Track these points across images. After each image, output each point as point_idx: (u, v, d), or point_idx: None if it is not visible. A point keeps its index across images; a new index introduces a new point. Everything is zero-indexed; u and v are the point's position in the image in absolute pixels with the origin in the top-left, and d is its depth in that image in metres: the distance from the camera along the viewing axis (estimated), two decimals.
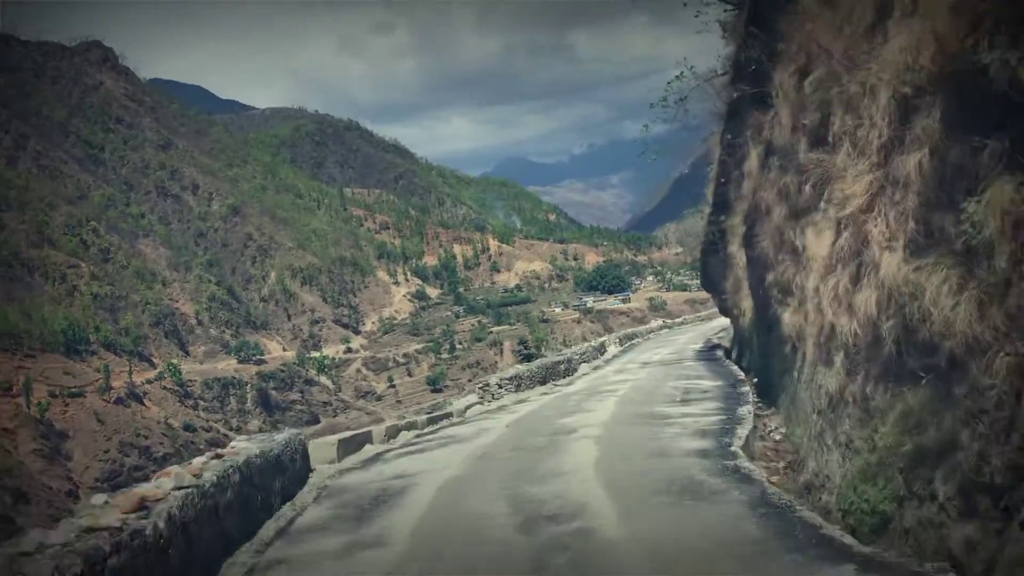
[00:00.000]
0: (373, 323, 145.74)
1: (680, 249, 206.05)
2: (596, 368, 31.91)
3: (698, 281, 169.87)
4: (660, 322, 64.21)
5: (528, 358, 41.44)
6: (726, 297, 26.53)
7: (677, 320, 71.89)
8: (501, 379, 25.46)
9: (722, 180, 21.65)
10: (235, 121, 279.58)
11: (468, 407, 22.09)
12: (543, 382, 26.72)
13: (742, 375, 22.21)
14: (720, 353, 32.26)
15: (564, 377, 28.66)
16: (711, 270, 30.71)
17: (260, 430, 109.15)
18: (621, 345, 44.28)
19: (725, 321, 58.32)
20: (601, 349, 39.80)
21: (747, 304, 20.92)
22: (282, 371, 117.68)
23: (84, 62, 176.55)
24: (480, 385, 25.67)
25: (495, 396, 23.92)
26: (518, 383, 25.23)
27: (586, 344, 41.43)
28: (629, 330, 58.03)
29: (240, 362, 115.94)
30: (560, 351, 38.93)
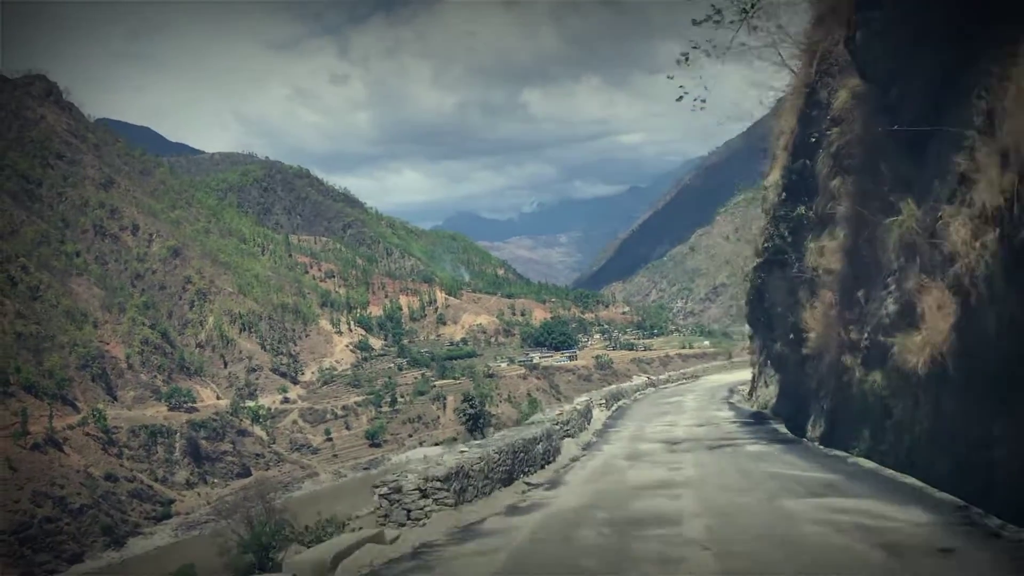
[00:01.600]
0: (313, 373, 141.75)
1: (627, 308, 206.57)
2: (588, 448, 22.96)
3: (643, 341, 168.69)
4: (644, 378, 57.79)
5: (475, 421, 34.25)
6: (793, 333, 20.00)
7: (661, 377, 64.42)
8: (428, 479, 12.75)
9: (810, 138, 17.02)
10: (183, 164, 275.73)
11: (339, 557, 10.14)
12: (508, 479, 15.69)
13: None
14: (774, 424, 25.04)
15: (541, 467, 18.21)
16: (771, 292, 23.62)
17: (187, 483, 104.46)
18: (608, 408, 36.59)
19: (728, 378, 55.58)
20: (587, 414, 29.42)
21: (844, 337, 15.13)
22: (214, 420, 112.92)
23: (26, 95, 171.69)
24: (385, 490, 12.60)
25: (412, 516, 12.37)
26: (461, 485, 13.43)
27: (568, 407, 27.68)
28: (612, 387, 48.39)
29: (170, 409, 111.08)
30: (530, 416, 28.62)
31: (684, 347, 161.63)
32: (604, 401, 36.97)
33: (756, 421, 27.21)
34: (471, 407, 35.64)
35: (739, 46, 15.92)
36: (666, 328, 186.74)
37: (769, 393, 29.89)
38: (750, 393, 36.49)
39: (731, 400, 37.80)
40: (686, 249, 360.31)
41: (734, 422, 27.37)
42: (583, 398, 33.21)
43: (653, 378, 58.54)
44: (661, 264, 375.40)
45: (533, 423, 22.20)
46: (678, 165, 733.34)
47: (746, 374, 54.57)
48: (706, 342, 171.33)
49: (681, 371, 65.64)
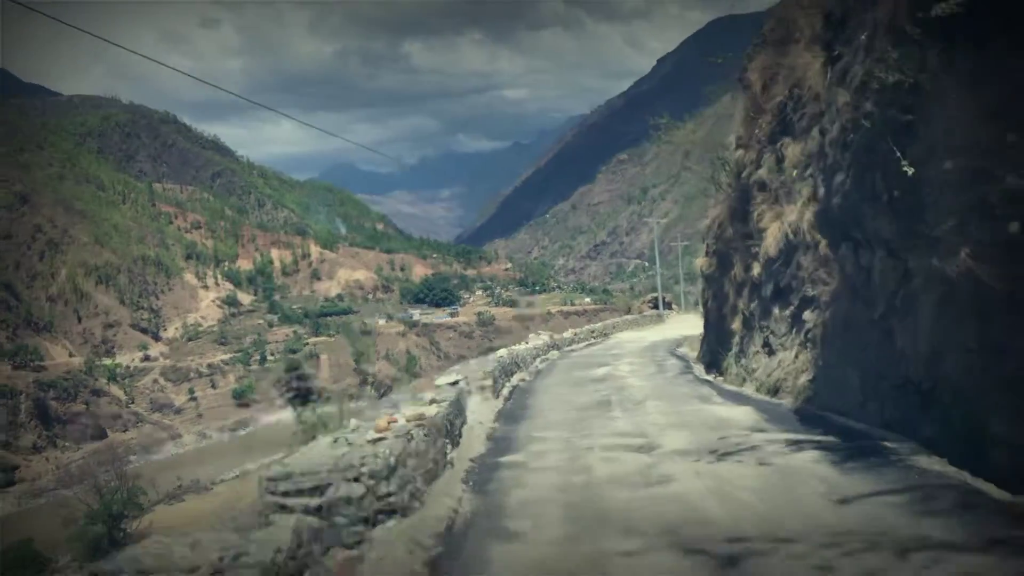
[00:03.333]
0: (176, 329, 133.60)
1: (510, 265, 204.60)
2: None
3: (526, 298, 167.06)
4: (545, 337, 38.42)
5: (303, 397, 17.86)
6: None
7: (565, 336, 44.52)
8: None
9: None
10: (37, 107, 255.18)
11: None
12: None
13: None
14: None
15: None
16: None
17: (34, 447, 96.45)
18: (497, 393, 20.49)
19: (648, 336, 46.26)
20: (456, 414, 13.25)
21: None
22: (65, 379, 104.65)
23: None
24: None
25: None
26: None
27: (410, 411, 10.46)
28: (502, 352, 26.64)
29: (15, 368, 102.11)
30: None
31: (566, 304, 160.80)
32: (490, 380, 19.93)
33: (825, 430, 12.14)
34: (298, 378, 23.25)
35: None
36: (548, 285, 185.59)
37: (791, 369, 16.41)
38: (706, 362, 25.50)
39: (696, 373, 24.52)
40: (568, 207, 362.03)
41: (785, 439, 11.91)
42: (448, 378, 15.24)
43: (555, 338, 40.73)
44: (543, 221, 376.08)
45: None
46: (561, 123, 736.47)
47: (663, 332, 49.51)
48: (587, 299, 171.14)
49: (588, 328, 51.37)
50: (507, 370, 24.27)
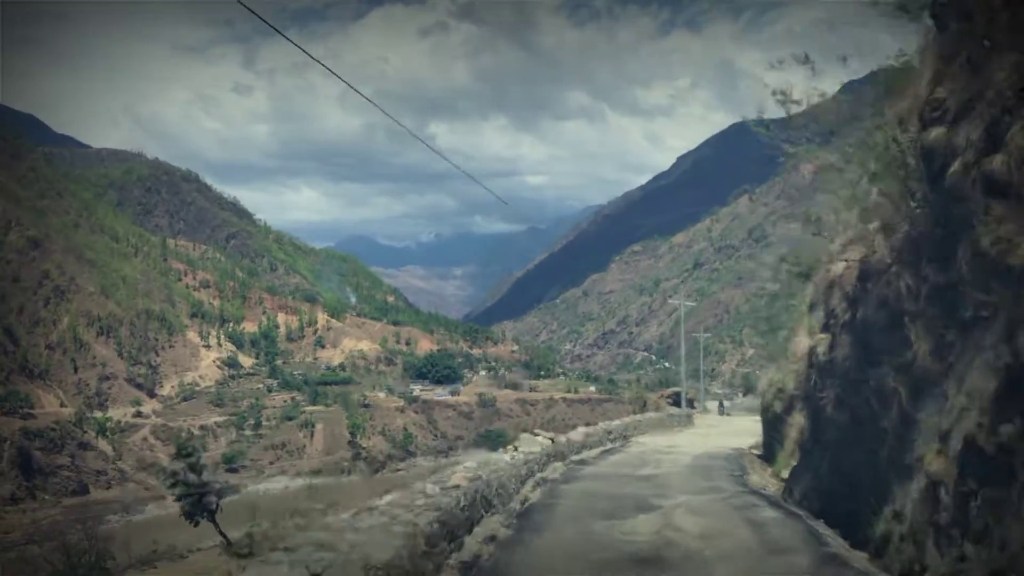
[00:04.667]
0: (173, 387, 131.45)
1: (516, 346, 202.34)
2: None
3: (529, 382, 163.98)
4: (543, 442, 25.60)
5: (195, 502, 17.96)
6: None
7: (573, 439, 30.34)
8: None
9: None
10: (65, 157, 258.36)
11: None
12: None
13: None
14: None
15: None
16: None
17: (12, 497, 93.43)
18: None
19: (681, 444, 34.45)
20: None
21: None
22: (53, 430, 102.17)
23: None
24: None
25: None
26: None
27: None
28: (468, 468, 15.36)
29: (3, 414, 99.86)
30: None
31: (570, 391, 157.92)
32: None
33: None
34: (190, 467, 18.13)
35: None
36: (553, 370, 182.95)
37: None
38: (815, 510, 15.66)
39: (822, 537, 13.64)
40: (579, 293, 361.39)
41: None
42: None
43: (558, 441, 27.50)
44: (553, 306, 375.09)
45: None
46: (578, 211, 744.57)
47: (704, 440, 38.01)
48: (592, 387, 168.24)
49: (603, 427, 37.26)
50: (463, 518, 12.72)
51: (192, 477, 18.25)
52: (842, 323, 13.55)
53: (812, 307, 19.34)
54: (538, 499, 17.92)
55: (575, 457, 27.68)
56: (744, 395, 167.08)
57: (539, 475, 21.41)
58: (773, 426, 25.43)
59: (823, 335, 14.81)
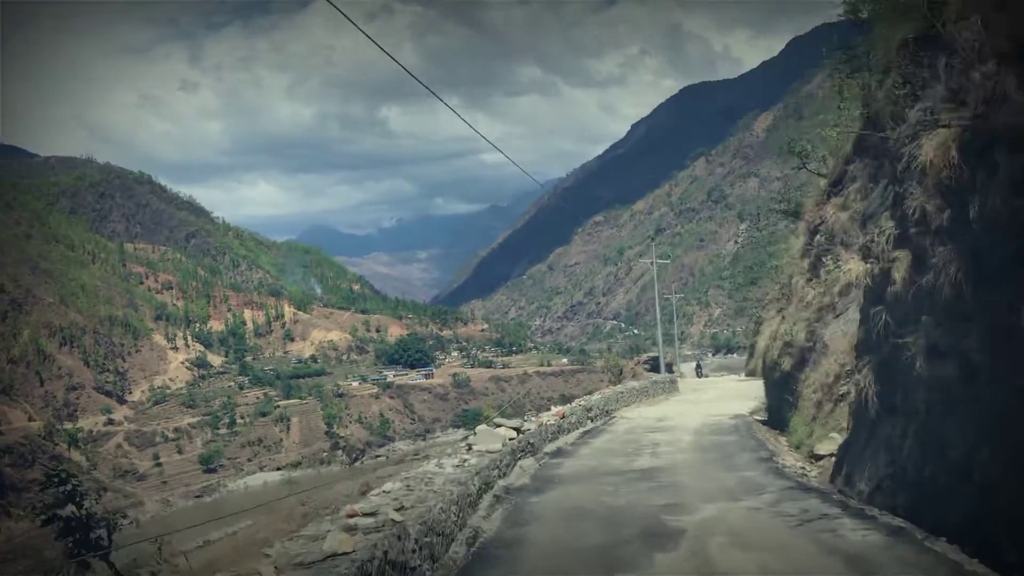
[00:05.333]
0: (143, 392, 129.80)
1: (486, 325, 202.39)
2: None
3: (502, 359, 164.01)
4: (507, 433, 18.84)
5: (67, 528, 14.46)
6: None
7: (546, 421, 24.19)
8: None
9: None
10: (12, 167, 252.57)
11: None
12: None
13: None
14: None
15: None
16: None
17: None
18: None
19: (668, 415, 29.59)
20: None
21: None
22: (22, 445, 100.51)
23: None
24: None
25: None
26: None
27: None
28: (413, 476, 13.01)
29: None
30: None
31: (543, 364, 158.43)
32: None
33: None
34: (67, 497, 14.82)
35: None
36: (524, 345, 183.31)
37: None
38: (889, 506, 10.94)
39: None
40: (545, 268, 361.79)
41: None
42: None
43: (526, 430, 20.53)
44: (520, 283, 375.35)
45: None
46: (537, 186, 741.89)
47: (697, 408, 32.78)
48: (564, 359, 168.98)
49: (581, 403, 30.34)
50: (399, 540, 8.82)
51: (70, 510, 14.51)
52: (935, 229, 9.23)
53: (806, 250, 18.46)
54: (495, 531, 12.16)
55: (550, 447, 22.10)
56: (714, 355, 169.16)
57: (501, 483, 16.07)
58: (782, 386, 20.99)
59: (899, 252, 10.51)
